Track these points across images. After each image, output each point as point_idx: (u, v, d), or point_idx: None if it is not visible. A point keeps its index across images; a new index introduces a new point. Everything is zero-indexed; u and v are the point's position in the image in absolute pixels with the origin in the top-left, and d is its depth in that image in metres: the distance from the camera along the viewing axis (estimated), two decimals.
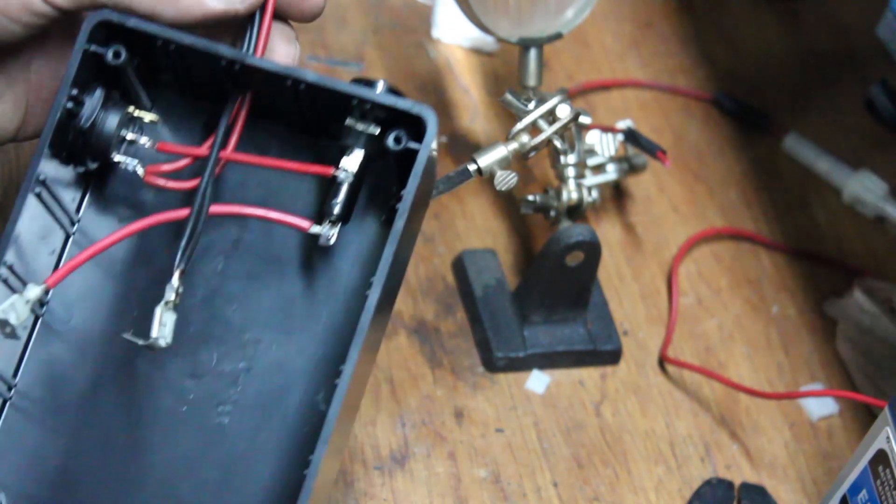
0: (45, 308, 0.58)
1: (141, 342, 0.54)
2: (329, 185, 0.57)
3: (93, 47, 0.55)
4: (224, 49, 0.54)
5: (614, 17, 0.96)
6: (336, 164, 0.56)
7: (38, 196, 0.55)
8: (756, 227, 0.86)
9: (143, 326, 0.56)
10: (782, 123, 0.91)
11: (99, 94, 0.56)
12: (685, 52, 0.95)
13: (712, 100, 0.92)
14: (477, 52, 0.91)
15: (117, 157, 0.57)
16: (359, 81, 0.56)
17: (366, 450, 0.72)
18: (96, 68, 0.55)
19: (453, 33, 0.91)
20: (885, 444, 0.61)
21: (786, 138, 0.90)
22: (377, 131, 0.56)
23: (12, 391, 0.58)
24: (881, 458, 0.62)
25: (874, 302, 0.80)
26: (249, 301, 0.60)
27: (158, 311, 0.53)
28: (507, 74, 0.90)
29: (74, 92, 0.55)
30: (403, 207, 0.54)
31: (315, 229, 0.56)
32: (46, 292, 0.53)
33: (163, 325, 0.53)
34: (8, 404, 0.58)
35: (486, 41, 0.91)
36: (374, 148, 0.56)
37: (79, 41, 0.54)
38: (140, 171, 0.56)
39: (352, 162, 0.56)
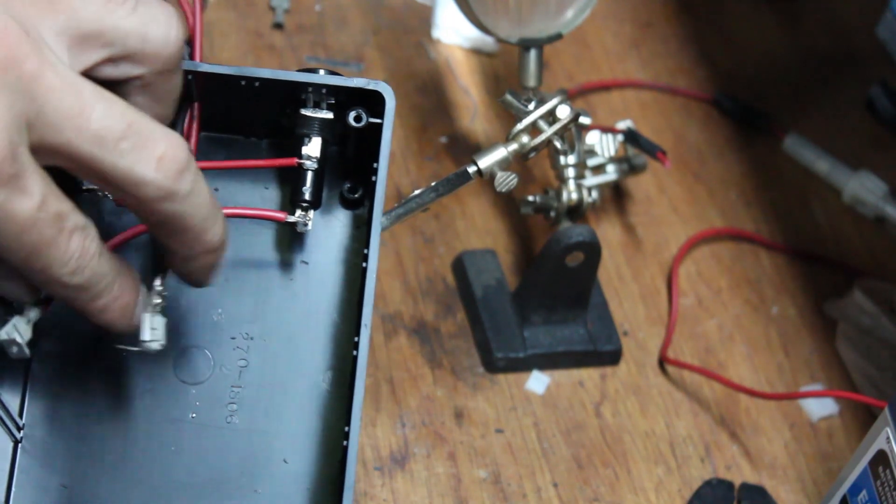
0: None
1: (135, 349, 0.54)
2: (294, 177, 0.60)
3: None
4: None
5: (614, 18, 0.96)
6: (293, 156, 0.59)
7: None
8: (756, 227, 0.86)
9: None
10: (782, 123, 0.91)
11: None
12: (685, 52, 0.95)
13: (712, 100, 0.92)
14: (477, 52, 0.91)
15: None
16: (303, 72, 0.59)
17: (366, 450, 0.72)
18: None
19: (453, 34, 0.91)
20: (885, 444, 0.61)
21: (786, 138, 0.90)
22: (331, 116, 0.59)
23: (21, 432, 0.58)
24: (881, 458, 0.62)
25: (874, 302, 0.80)
26: (233, 302, 0.61)
27: (146, 315, 0.54)
28: (508, 75, 0.90)
29: None
30: (381, 177, 0.58)
31: (291, 218, 0.59)
32: (43, 313, 0.54)
33: (153, 329, 0.54)
34: (20, 446, 0.58)
35: (486, 42, 0.91)
36: (330, 133, 0.59)
37: None
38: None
39: (313, 149, 0.59)
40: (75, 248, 0.49)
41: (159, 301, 0.55)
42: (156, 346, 0.54)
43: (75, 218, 0.49)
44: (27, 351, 0.53)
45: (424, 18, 0.92)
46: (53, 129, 0.47)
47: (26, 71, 0.46)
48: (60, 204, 0.48)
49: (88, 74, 0.50)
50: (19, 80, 0.46)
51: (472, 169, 0.69)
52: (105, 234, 0.59)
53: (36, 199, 0.47)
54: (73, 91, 0.48)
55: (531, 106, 0.73)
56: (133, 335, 0.54)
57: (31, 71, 0.47)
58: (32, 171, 0.47)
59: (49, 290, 0.51)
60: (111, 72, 0.51)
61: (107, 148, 0.48)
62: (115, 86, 0.52)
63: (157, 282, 0.55)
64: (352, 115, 0.59)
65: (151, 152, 0.49)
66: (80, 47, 0.50)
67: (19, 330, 0.52)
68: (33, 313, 0.53)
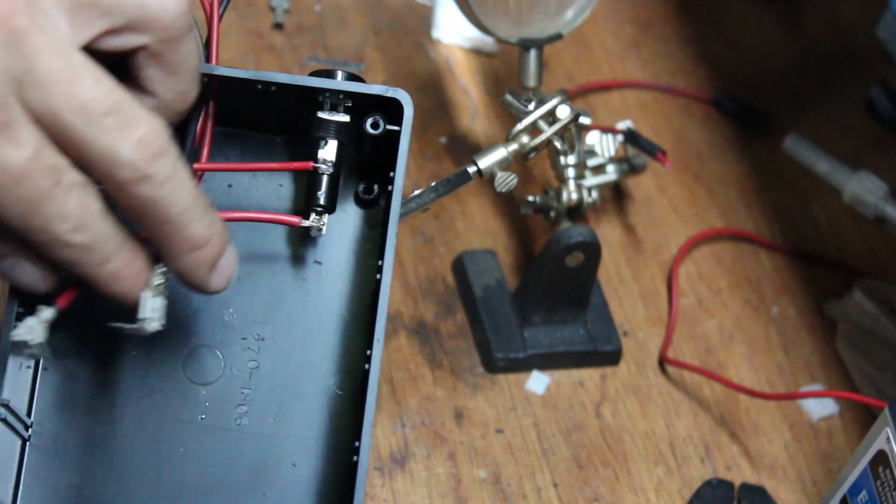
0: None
1: (132, 326, 0.52)
2: (308, 180, 0.59)
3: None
4: None
5: (614, 18, 0.96)
6: (309, 158, 0.58)
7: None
8: (756, 227, 0.86)
9: (153, 350, 0.58)
10: (782, 123, 0.91)
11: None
12: (685, 52, 0.95)
13: (712, 100, 0.92)
14: (477, 52, 0.91)
15: None
16: (318, 74, 0.58)
17: None
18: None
19: (453, 34, 0.91)
20: (885, 444, 0.61)
21: (786, 139, 0.90)
22: (347, 119, 0.58)
23: (30, 430, 0.58)
24: (881, 458, 0.62)
25: (874, 302, 0.80)
26: (244, 302, 0.60)
27: (146, 294, 0.52)
28: (507, 75, 0.90)
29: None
30: (397, 186, 0.57)
31: (306, 223, 0.58)
32: (59, 312, 0.53)
33: (153, 310, 0.52)
34: (28, 444, 0.58)
35: (486, 42, 0.91)
36: (346, 136, 0.58)
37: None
38: None
39: (329, 153, 0.58)
40: (74, 203, 0.47)
41: (160, 282, 0.53)
42: (155, 325, 0.52)
43: (73, 174, 0.47)
44: (38, 353, 0.52)
45: (424, 18, 0.92)
46: (41, 91, 0.46)
47: (17, 27, 0.45)
48: (56, 158, 0.47)
49: (93, 48, 0.49)
50: (9, 34, 0.45)
51: (472, 169, 0.69)
52: None
53: (29, 149, 0.46)
54: (62, 57, 0.47)
55: (531, 106, 0.73)
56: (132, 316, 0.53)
57: (21, 28, 0.46)
58: (24, 121, 0.46)
59: (54, 254, 0.49)
60: (115, 42, 0.50)
61: (91, 121, 0.47)
62: (125, 59, 0.51)
63: (159, 263, 0.54)
64: (369, 121, 0.58)
65: (132, 133, 0.48)
66: (80, 18, 0.49)
67: (34, 331, 0.51)
68: (47, 313, 0.52)
